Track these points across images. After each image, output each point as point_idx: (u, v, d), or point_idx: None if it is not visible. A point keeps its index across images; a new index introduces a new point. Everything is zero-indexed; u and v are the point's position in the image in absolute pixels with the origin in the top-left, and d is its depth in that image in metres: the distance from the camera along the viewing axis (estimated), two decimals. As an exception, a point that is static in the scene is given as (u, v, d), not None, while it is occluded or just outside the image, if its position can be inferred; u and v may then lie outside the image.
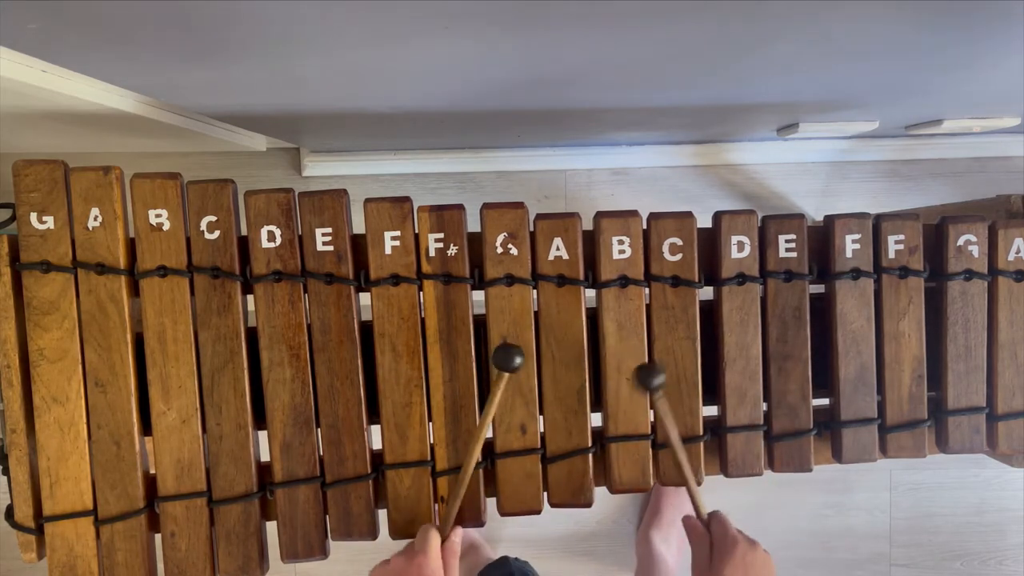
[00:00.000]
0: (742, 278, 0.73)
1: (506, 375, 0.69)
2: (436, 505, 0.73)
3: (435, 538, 0.68)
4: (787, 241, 0.73)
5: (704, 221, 0.74)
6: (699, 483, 0.75)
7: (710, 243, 0.74)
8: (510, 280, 0.71)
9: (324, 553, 0.73)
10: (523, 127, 1.18)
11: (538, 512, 0.73)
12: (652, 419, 0.74)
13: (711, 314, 0.75)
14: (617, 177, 1.45)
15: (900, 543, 1.49)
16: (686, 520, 0.70)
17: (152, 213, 0.69)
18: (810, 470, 0.75)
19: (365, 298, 0.72)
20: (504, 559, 1.18)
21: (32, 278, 0.69)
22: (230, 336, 0.70)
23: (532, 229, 0.72)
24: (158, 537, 0.72)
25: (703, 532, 0.68)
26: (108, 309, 0.69)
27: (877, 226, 0.74)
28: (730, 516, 0.70)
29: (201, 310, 0.70)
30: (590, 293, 0.73)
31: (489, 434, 0.73)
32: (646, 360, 0.72)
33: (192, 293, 0.70)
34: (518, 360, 0.69)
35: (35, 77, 0.77)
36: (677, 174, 1.46)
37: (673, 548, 1.35)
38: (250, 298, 0.72)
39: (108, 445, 0.70)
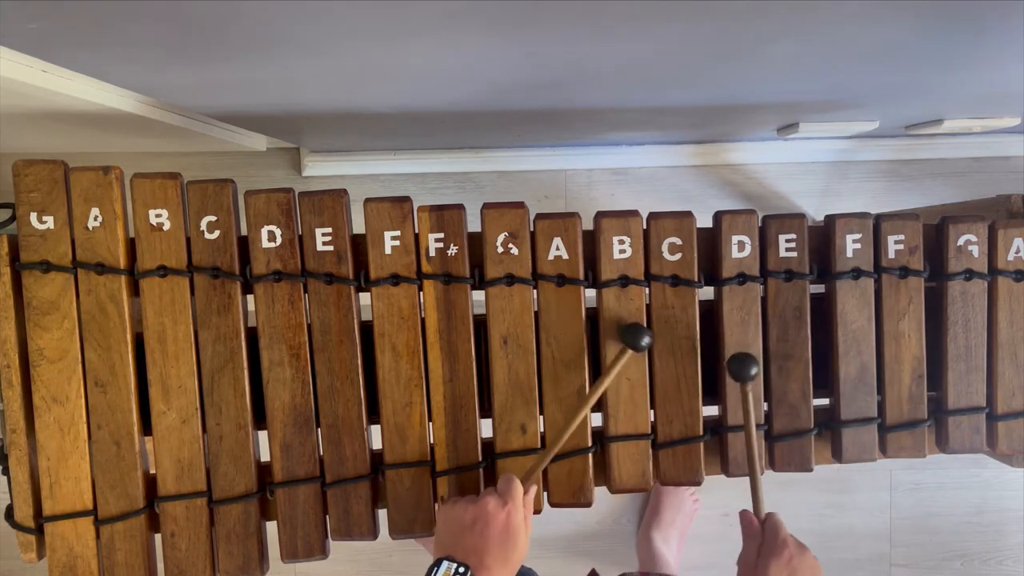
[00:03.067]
0: (743, 278, 0.73)
1: (629, 352, 0.70)
2: (436, 505, 0.73)
3: (521, 489, 0.66)
4: (788, 241, 0.73)
5: (704, 221, 0.74)
6: (698, 483, 0.75)
7: (710, 243, 0.74)
8: (510, 280, 0.71)
9: (324, 553, 0.73)
10: (523, 127, 1.17)
11: (538, 512, 0.73)
12: (651, 419, 0.74)
13: (711, 314, 0.75)
14: (617, 177, 1.45)
15: (900, 543, 1.49)
16: (744, 514, 0.71)
17: (152, 213, 0.69)
18: (811, 470, 0.75)
19: (365, 298, 0.72)
20: None
21: (32, 278, 0.69)
22: (230, 336, 0.70)
23: (532, 229, 0.72)
24: (158, 537, 0.73)
25: (757, 529, 0.69)
26: (108, 309, 0.69)
27: (877, 226, 0.74)
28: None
29: (201, 310, 0.70)
30: (590, 293, 0.73)
31: (488, 434, 0.73)
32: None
33: (192, 293, 0.70)
34: (646, 340, 0.70)
35: (35, 77, 0.76)
36: (677, 174, 1.46)
37: (673, 548, 1.35)
38: (250, 298, 0.72)
39: (108, 445, 0.70)
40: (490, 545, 0.62)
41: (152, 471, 0.72)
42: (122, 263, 0.69)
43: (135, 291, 0.70)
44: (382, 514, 0.74)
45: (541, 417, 0.73)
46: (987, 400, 0.76)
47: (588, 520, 1.45)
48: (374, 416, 0.73)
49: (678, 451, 0.74)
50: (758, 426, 0.74)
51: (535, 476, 0.69)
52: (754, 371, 0.70)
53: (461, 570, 0.60)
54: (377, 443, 0.73)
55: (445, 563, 0.61)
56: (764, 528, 0.68)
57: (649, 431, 0.74)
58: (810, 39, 0.66)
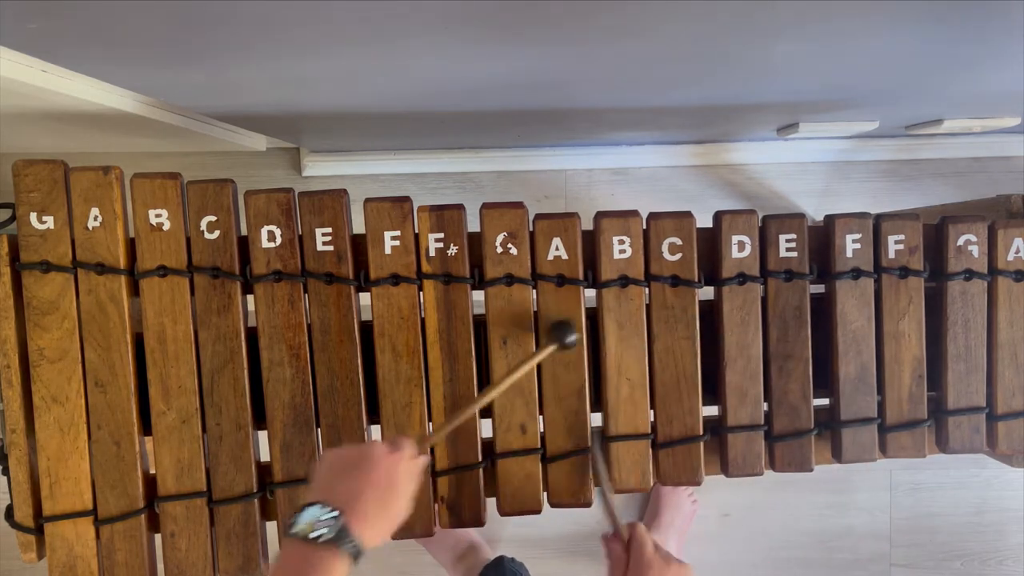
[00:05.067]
0: (743, 278, 0.73)
1: (554, 346, 0.69)
2: (436, 505, 0.73)
3: (412, 446, 0.61)
4: (788, 241, 0.73)
5: (704, 221, 0.74)
6: (698, 483, 0.75)
7: (710, 243, 0.74)
8: (510, 280, 0.71)
9: (324, 553, 0.73)
10: (523, 127, 1.17)
11: (538, 512, 0.73)
12: (651, 419, 0.74)
13: (711, 314, 0.75)
14: (617, 177, 1.45)
15: (900, 543, 1.49)
16: (605, 539, 0.66)
17: (152, 213, 0.69)
18: (811, 470, 0.75)
19: (365, 298, 0.72)
20: (499, 560, 1.17)
21: (32, 278, 0.69)
22: (230, 336, 0.70)
23: (532, 229, 0.72)
24: (158, 537, 0.72)
25: (621, 555, 0.65)
26: (108, 309, 0.69)
27: (877, 226, 0.74)
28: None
29: (201, 310, 0.70)
30: (590, 293, 0.73)
31: (488, 434, 0.73)
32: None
33: (192, 293, 0.70)
34: (572, 337, 0.69)
35: (35, 77, 0.76)
36: (677, 174, 1.46)
37: (672, 549, 1.35)
38: (250, 298, 0.72)
39: (108, 445, 0.70)
40: (370, 490, 0.56)
41: (152, 471, 0.72)
42: (122, 263, 0.69)
43: (135, 291, 0.70)
44: (382, 514, 0.74)
45: (541, 417, 0.73)
46: (987, 400, 0.76)
47: (588, 520, 1.45)
48: (374, 416, 0.73)
49: (678, 451, 0.74)
50: (758, 426, 0.74)
51: (430, 444, 0.67)
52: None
53: (333, 515, 0.53)
54: (377, 443, 0.73)
55: (315, 507, 0.54)
56: (630, 548, 0.65)
57: (649, 431, 0.73)
58: (810, 40, 0.66)
